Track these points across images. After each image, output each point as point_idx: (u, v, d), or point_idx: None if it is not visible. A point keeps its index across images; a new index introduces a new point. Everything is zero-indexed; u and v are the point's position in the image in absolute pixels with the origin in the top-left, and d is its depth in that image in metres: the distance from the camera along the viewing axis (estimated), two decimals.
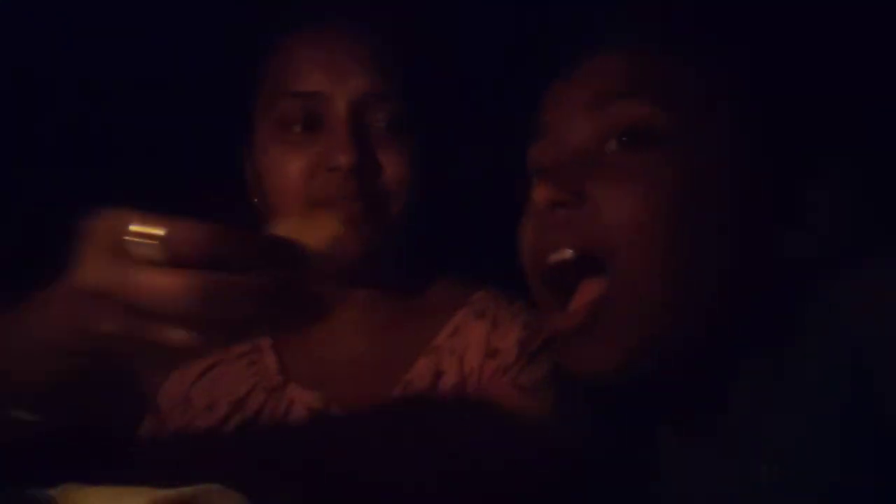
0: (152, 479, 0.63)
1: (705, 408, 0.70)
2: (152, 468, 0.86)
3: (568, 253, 0.68)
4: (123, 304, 0.54)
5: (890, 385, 0.60)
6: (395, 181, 0.89)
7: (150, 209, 0.54)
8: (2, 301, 0.63)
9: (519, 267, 0.74)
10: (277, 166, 0.89)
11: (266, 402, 0.92)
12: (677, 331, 0.66)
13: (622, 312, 0.66)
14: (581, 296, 0.69)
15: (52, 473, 0.64)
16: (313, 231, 0.62)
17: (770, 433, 0.65)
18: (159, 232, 0.53)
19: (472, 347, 0.90)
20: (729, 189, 0.67)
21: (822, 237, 0.67)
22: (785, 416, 0.65)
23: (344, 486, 0.85)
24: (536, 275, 0.71)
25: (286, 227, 0.62)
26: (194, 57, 1.03)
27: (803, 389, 0.64)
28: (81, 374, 0.63)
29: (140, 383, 0.96)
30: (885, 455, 0.61)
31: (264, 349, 0.96)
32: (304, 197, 0.88)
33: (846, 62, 0.72)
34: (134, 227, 0.53)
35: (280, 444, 0.90)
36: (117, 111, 1.08)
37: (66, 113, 1.08)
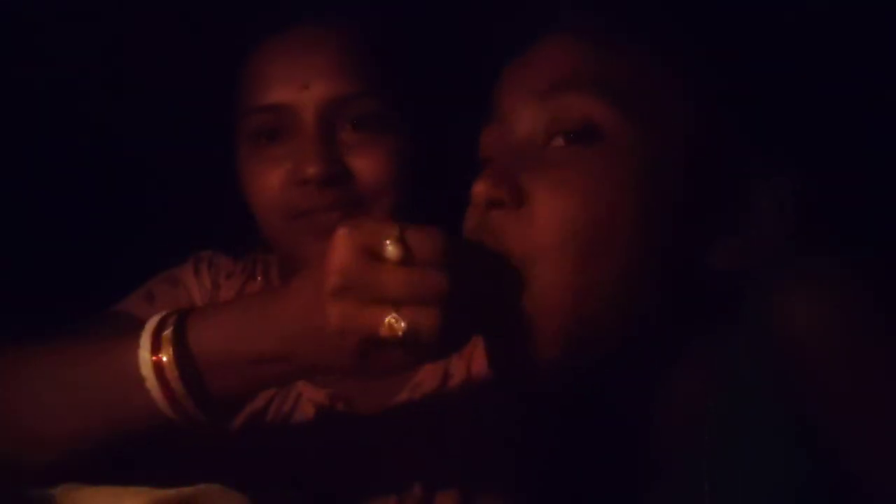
0: (152, 480, 0.63)
1: (631, 419, 0.69)
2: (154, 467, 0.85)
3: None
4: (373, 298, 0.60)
5: (811, 387, 0.58)
6: (374, 185, 0.86)
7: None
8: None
9: None
10: (254, 182, 0.88)
11: (275, 395, 0.91)
12: (599, 343, 0.65)
13: (543, 323, 0.64)
14: None
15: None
16: None
17: (705, 450, 0.64)
18: (411, 237, 0.60)
19: (480, 350, 0.87)
20: (671, 194, 0.65)
21: (758, 246, 0.65)
22: (719, 432, 0.63)
23: (348, 488, 0.85)
24: None
25: None
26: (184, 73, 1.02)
27: (736, 401, 0.63)
28: None
29: None
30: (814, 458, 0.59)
31: None
32: (282, 211, 0.87)
33: (796, 64, 0.70)
34: (390, 232, 0.60)
35: (286, 440, 0.89)
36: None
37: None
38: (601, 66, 0.66)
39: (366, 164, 0.86)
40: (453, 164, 0.91)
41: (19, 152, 1.02)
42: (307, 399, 0.90)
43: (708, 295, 0.65)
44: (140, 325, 0.68)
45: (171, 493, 0.61)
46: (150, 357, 0.66)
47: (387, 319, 0.59)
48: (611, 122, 0.65)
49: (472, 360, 0.89)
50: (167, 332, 0.66)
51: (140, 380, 0.66)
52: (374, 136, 0.86)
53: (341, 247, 0.60)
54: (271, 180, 0.86)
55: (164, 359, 0.66)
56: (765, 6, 0.70)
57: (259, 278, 1.00)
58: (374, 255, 0.60)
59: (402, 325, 0.59)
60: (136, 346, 0.67)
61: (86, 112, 1.03)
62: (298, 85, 0.85)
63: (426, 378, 0.89)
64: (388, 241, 0.60)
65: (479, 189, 0.67)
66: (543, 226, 0.64)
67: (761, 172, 0.66)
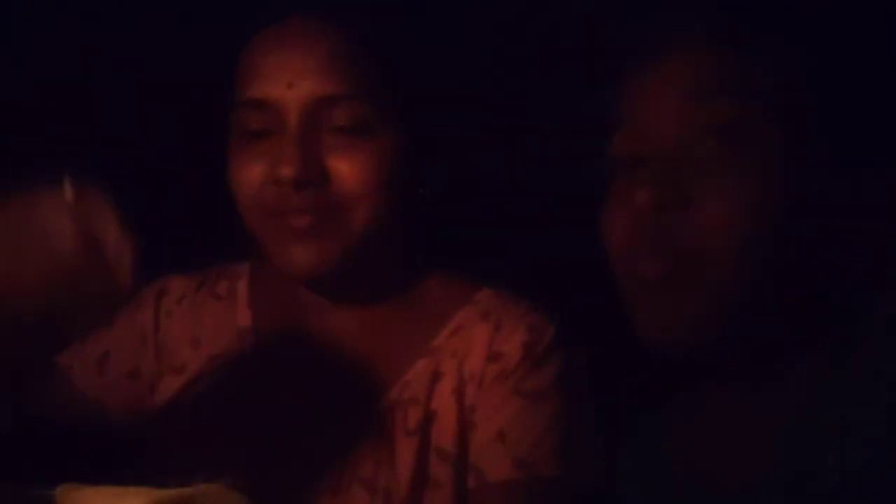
0: (152, 480, 0.63)
1: (766, 394, 0.72)
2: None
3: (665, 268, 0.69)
4: None
5: None
6: (353, 191, 0.84)
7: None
8: None
9: (520, 262, 0.74)
10: (237, 177, 0.87)
11: None
12: (754, 326, 0.69)
13: (710, 311, 0.68)
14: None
15: (52, 473, 0.64)
16: None
17: (829, 426, 0.66)
18: None
19: (473, 350, 0.88)
20: (806, 189, 0.68)
21: (880, 244, 0.69)
22: (842, 412, 0.66)
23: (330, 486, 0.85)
24: (628, 276, 0.72)
25: None
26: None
27: (860, 391, 0.66)
28: None
29: None
30: None
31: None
32: (259, 209, 0.86)
33: None
34: None
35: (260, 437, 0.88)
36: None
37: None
38: (745, 69, 0.69)
39: (346, 169, 0.84)
40: (442, 174, 0.92)
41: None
42: None
43: (837, 290, 0.69)
44: None
45: (171, 492, 0.61)
46: None
47: None
48: (759, 123, 0.68)
49: (465, 361, 0.88)
50: None
51: None
52: (358, 140, 0.85)
53: None
54: (252, 176, 0.85)
55: None
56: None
57: (221, 295, 0.98)
58: None
59: None
60: None
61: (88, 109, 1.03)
62: (284, 83, 0.84)
63: (415, 377, 0.88)
64: None
65: (644, 193, 0.69)
66: (711, 224, 0.67)
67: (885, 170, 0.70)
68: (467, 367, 0.88)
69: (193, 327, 0.97)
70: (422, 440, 0.86)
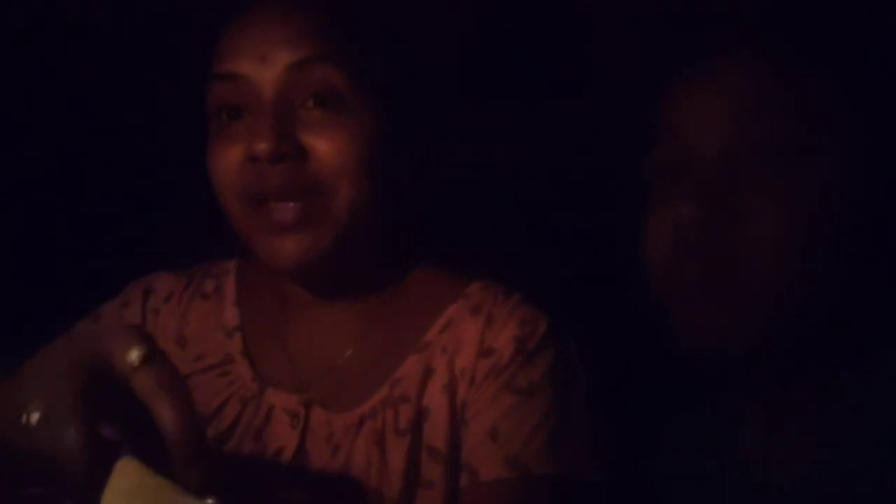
0: None
1: (802, 393, 0.74)
2: None
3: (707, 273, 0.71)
4: None
5: None
6: (333, 168, 0.81)
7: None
8: None
9: (511, 253, 0.75)
10: (213, 160, 0.84)
11: (242, 412, 0.89)
12: (790, 326, 0.71)
13: (755, 311, 0.70)
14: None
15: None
16: None
17: (872, 429, 0.68)
18: None
19: (464, 346, 0.86)
20: (851, 198, 0.71)
21: None
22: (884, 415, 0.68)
23: (325, 494, 0.84)
24: (669, 283, 0.74)
25: None
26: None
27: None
28: None
29: None
30: None
31: (236, 357, 0.92)
32: (238, 194, 0.83)
33: None
34: None
35: (262, 456, 0.87)
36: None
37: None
38: (796, 84, 0.71)
39: (324, 145, 0.81)
40: (430, 153, 0.89)
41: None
42: (280, 409, 0.88)
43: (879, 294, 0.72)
44: None
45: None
46: None
47: None
48: (806, 139, 0.70)
49: (457, 357, 0.86)
50: None
51: None
52: (334, 116, 0.81)
53: None
54: (229, 159, 0.83)
55: None
56: None
57: (208, 293, 0.97)
58: None
59: None
60: None
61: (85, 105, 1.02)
62: (257, 56, 0.81)
63: (406, 374, 0.87)
64: None
65: (690, 206, 0.71)
66: (756, 236, 0.69)
67: None
68: (459, 363, 0.86)
69: (180, 327, 0.96)
70: (413, 439, 0.84)
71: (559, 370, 0.86)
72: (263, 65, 0.81)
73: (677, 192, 0.72)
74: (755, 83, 0.71)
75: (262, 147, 0.80)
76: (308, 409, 0.87)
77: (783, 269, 0.69)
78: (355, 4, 0.87)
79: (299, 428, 0.87)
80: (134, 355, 0.62)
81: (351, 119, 0.82)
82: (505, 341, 0.85)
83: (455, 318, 0.88)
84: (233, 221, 0.86)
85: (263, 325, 0.94)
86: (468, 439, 0.84)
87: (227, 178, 0.83)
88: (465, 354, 0.86)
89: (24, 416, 0.61)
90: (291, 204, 0.81)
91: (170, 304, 0.96)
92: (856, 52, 0.73)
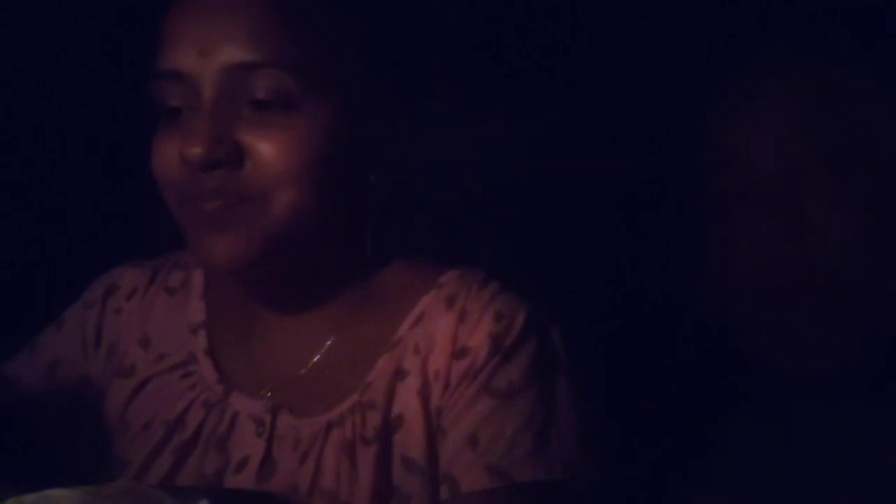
0: None
1: None
2: None
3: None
4: None
5: None
6: (273, 174, 0.75)
7: None
8: None
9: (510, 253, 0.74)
10: (153, 159, 0.79)
11: (206, 418, 0.84)
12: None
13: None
14: None
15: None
16: None
17: None
18: None
19: (437, 346, 0.80)
20: None
21: None
22: None
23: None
24: (758, 300, 0.79)
25: None
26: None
27: None
28: None
29: None
30: None
31: (199, 357, 0.87)
32: (172, 192, 0.78)
33: None
34: None
35: (225, 466, 0.82)
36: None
37: None
38: (852, 96, 0.76)
39: (265, 149, 0.75)
40: (402, 160, 0.85)
41: None
42: (245, 415, 0.83)
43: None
44: None
45: None
46: None
47: None
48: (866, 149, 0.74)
49: (429, 358, 0.80)
50: None
51: None
52: (280, 116, 0.75)
53: None
54: (166, 157, 0.77)
55: None
56: None
57: (175, 287, 0.92)
58: None
59: None
60: None
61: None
62: (196, 52, 0.75)
63: (378, 376, 0.81)
64: None
65: (761, 230, 0.75)
66: (833, 250, 0.74)
67: None
68: (431, 365, 0.80)
69: (143, 326, 0.91)
70: (381, 448, 0.79)
71: (541, 365, 0.79)
72: (203, 60, 0.75)
73: (745, 216, 0.76)
74: (814, 97, 0.75)
75: (195, 152, 0.74)
76: (275, 415, 0.83)
77: (861, 279, 0.73)
78: None
79: (265, 436, 0.82)
80: None
81: (301, 120, 0.76)
82: (480, 339, 0.79)
83: (427, 310, 0.82)
84: (172, 216, 0.81)
85: (230, 321, 0.89)
86: (446, 448, 0.78)
87: (163, 176, 0.79)
88: (438, 355, 0.80)
89: None
90: (224, 203, 0.76)
91: (132, 301, 0.92)
92: None
